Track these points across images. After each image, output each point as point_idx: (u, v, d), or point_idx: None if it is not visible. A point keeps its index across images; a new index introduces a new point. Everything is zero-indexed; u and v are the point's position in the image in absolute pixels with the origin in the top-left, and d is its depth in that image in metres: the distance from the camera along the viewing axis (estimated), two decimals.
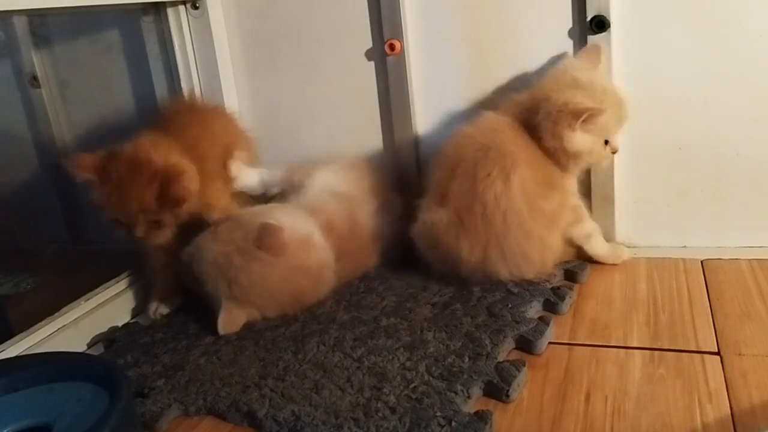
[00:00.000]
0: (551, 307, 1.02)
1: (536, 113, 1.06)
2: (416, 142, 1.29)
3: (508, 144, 1.05)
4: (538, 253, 1.07)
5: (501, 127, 1.08)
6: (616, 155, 1.12)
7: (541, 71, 1.17)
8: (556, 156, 1.07)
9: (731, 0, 1.06)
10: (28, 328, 1.02)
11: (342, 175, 1.21)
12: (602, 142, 1.07)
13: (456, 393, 0.80)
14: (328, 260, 1.09)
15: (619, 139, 1.09)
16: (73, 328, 1.06)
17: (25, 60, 1.51)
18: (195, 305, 1.13)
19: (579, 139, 1.05)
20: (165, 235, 1.08)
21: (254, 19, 1.33)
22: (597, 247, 1.15)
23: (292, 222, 1.07)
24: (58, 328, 1.04)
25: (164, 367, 0.95)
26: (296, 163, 1.25)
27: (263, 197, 1.23)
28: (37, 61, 1.50)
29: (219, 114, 1.25)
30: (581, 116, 1.02)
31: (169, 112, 1.20)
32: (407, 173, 1.30)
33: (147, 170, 1.02)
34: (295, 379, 0.88)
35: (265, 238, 1.02)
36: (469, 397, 0.80)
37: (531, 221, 1.04)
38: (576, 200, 1.13)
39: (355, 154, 1.29)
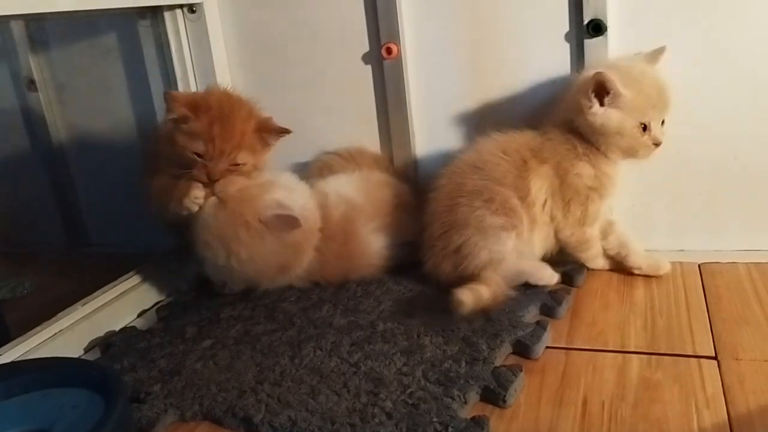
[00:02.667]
0: (548, 311, 1.01)
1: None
2: (413, 146, 1.29)
3: None
4: None
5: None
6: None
7: (539, 74, 1.18)
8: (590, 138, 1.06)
9: (728, 3, 1.06)
10: (25, 332, 1.02)
11: (356, 184, 1.22)
12: (636, 124, 1.03)
13: (453, 398, 0.80)
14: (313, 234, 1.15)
15: (661, 131, 1.04)
16: (70, 333, 1.05)
17: (22, 64, 1.51)
18: (192, 310, 1.14)
19: (602, 113, 1.03)
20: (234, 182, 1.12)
21: (251, 23, 1.33)
22: None
23: (295, 198, 1.13)
24: (55, 333, 1.04)
25: (161, 372, 0.95)
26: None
27: None
28: (34, 64, 1.50)
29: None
30: (591, 83, 1.00)
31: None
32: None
33: (245, 106, 1.14)
34: (292, 384, 0.87)
35: (276, 224, 1.07)
36: (465, 402, 0.80)
37: None
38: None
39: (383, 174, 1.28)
